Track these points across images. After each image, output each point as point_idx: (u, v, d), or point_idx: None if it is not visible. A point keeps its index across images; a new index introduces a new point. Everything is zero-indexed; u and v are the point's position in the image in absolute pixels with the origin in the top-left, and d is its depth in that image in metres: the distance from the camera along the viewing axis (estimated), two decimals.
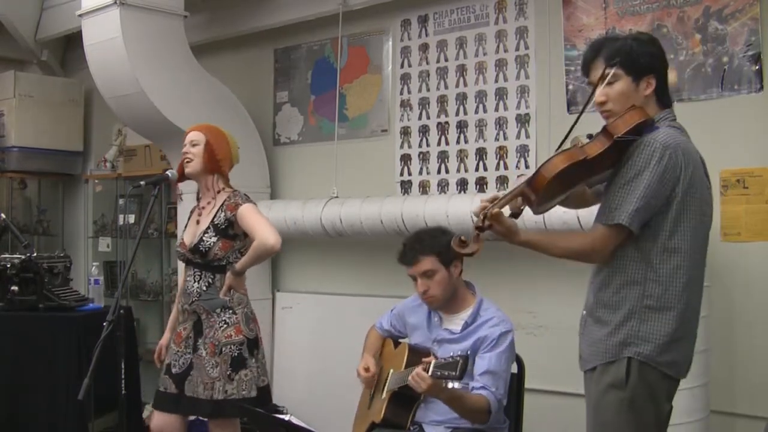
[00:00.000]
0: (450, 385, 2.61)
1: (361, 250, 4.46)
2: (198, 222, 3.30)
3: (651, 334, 2.13)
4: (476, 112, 4.09)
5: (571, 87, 3.77)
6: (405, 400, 2.87)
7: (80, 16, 4.35)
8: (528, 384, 3.01)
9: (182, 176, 3.36)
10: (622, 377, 2.13)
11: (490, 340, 2.81)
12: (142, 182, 3.23)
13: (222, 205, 3.25)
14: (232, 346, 3.17)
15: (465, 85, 4.14)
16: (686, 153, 2.13)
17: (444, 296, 2.89)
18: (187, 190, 4.21)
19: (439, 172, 4.22)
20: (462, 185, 4.14)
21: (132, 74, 4.19)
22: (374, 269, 4.36)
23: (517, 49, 3.96)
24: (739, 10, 3.32)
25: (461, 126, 4.15)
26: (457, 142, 4.15)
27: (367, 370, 3.02)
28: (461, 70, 4.15)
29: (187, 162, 3.29)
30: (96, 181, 5.99)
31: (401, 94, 4.38)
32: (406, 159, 4.35)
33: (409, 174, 4.34)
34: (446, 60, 4.21)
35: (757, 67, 3.27)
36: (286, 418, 2.89)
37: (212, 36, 5.02)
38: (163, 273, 5.54)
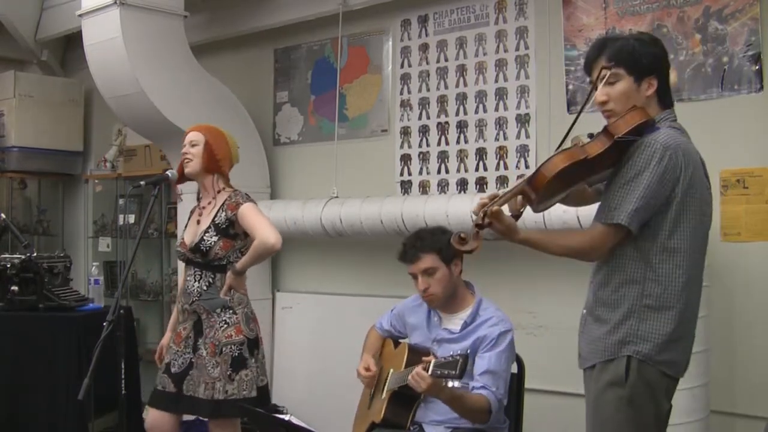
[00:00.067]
0: (450, 384, 2.61)
1: (361, 250, 4.46)
2: (198, 222, 3.30)
3: (650, 334, 2.13)
4: (476, 112, 4.09)
5: (571, 87, 3.77)
6: (405, 399, 2.87)
7: (80, 16, 4.36)
8: (528, 384, 3.01)
9: (182, 177, 3.37)
10: (621, 375, 2.14)
11: (490, 339, 2.81)
12: (142, 182, 3.23)
13: (223, 204, 3.25)
14: (232, 346, 3.17)
15: (465, 85, 4.14)
16: (686, 154, 2.13)
17: (444, 294, 2.90)
18: (187, 190, 4.21)
19: (439, 172, 4.22)
20: (462, 185, 4.14)
21: (132, 74, 4.19)
22: (374, 269, 4.36)
23: (517, 49, 3.96)
24: (739, 10, 3.32)
25: (461, 126, 4.15)
26: (457, 142, 4.15)
27: (367, 369, 3.02)
28: (461, 70, 4.15)
29: (187, 162, 3.29)
30: (96, 181, 6.00)
31: (401, 94, 4.38)
32: (406, 159, 4.35)
33: (409, 174, 4.34)
34: (446, 60, 4.21)
35: (757, 67, 3.27)
36: (286, 418, 2.89)
37: (212, 36, 5.02)
38: (163, 273, 5.54)
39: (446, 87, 4.21)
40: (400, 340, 3.15)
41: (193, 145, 3.29)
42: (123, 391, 2.99)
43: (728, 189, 3.31)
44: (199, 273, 3.24)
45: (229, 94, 4.74)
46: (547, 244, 2.22)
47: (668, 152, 2.09)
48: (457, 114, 4.16)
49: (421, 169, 4.29)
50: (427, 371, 2.55)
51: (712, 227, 2.28)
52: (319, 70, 4.76)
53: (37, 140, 5.62)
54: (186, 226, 3.41)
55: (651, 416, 2.16)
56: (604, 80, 2.19)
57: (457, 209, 3.69)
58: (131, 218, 5.58)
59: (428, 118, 4.27)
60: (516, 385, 2.96)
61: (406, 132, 4.36)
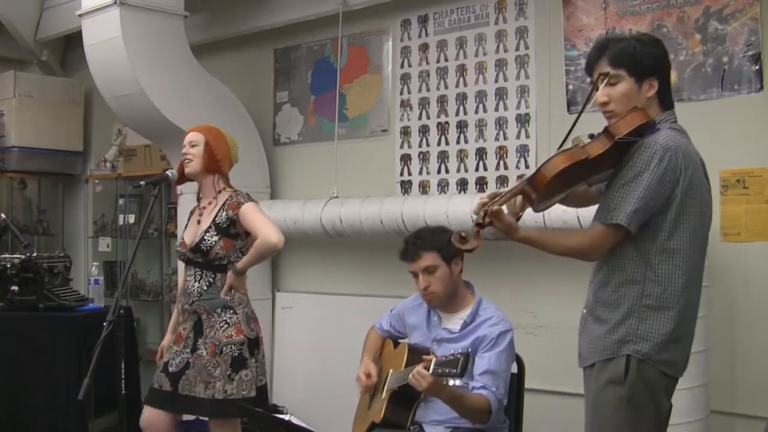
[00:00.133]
0: (452, 382, 2.61)
1: (361, 250, 4.46)
2: (199, 222, 3.30)
3: (649, 333, 2.14)
4: (476, 112, 4.09)
5: (571, 87, 3.77)
6: (405, 399, 2.87)
7: (80, 16, 4.36)
8: (528, 384, 3.01)
9: (182, 177, 3.37)
10: (620, 374, 2.14)
11: (489, 339, 2.81)
12: (142, 182, 3.23)
13: (223, 204, 3.25)
14: (232, 346, 3.17)
15: (465, 85, 4.14)
16: (686, 155, 2.14)
17: (445, 293, 2.90)
18: (187, 190, 4.21)
19: (439, 172, 4.22)
20: (462, 185, 4.14)
21: (132, 74, 4.19)
22: (374, 269, 4.37)
23: (517, 49, 3.96)
24: (739, 10, 3.32)
25: (461, 126, 4.15)
26: (457, 142, 4.15)
27: (368, 375, 3.02)
28: (461, 70, 4.15)
29: (187, 162, 3.29)
30: (96, 181, 6.00)
31: (401, 94, 4.38)
32: (406, 159, 4.35)
33: (409, 174, 4.34)
34: (446, 60, 4.21)
35: (757, 67, 3.28)
36: (286, 418, 2.89)
37: (212, 36, 5.02)
38: (163, 273, 5.54)
39: (446, 87, 4.21)
40: (400, 340, 3.16)
41: (193, 146, 3.29)
42: (123, 391, 2.99)
43: (728, 189, 3.31)
44: (200, 273, 3.24)
45: (229, 94, 4.74)
46: (547, 243, 2.23)
47: (668, 154, 2.10)
48: (457, 114, 4.16)
49: (421, 169, 4.29)
50: (428, 370, 2.55)
51: (712, 227, 2.29)
52: (319, 70, 4.76)
53: (37, 140, 5.62)
54: (186, 227, 3.41)
55: (650, 415, 2.16)
56: (605, 81, 2.19)
57: (457, 209, 3.69)
58: (131, 218, 5.58)
59: (428, 118, 4.27)
60: (516, 385, 2.96)
61: (406, 132, 4.36)
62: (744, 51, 3.30)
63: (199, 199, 3.40)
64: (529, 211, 2.24)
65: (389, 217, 3.95)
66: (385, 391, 2.95)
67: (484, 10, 4.07)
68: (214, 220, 3.23)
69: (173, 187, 4.76)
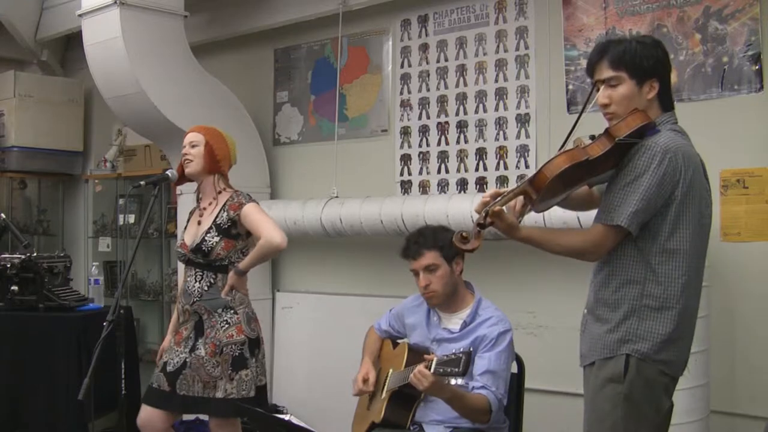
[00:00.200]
0: (453, 381, 2.61)
1: (361, 250, 4.46)
2: (199, 222, 3.29)
3: (649, 333, 2.15)
4: (476, 112, 4.09)
5: (571, 87, 3.77)
6: (405, 399, 2.87)
7: (80, 16, 4.36)
8: (528, 384, 3.01)
9: (182, 178, 3.37)
10: (619, 372, 2.16)
11: (489, 339, 2.81)
12: (142, 182, 3.23)
13: (224, 205, 3.25)
14: (233, 346, 3.17)
15: (465, 85, 4.14)
16: (686, 157, 2.15)
17: (445, 292, 2.90)
18: (187, 190, 4.21)
19: (439, 172, 4.22)
20: (462, 185, 4.14)
21: (132, 74, 4.19)
22: (374, 269, 4.37)
23: (517, 49, 3.96)
24: (739, 10, 3.32)
25: (461, 126, 4.15)
26: (457, 142, 4.16)
27: (365, 380, 3.02)
28: (461, 70, 4.15)
29: (188, 162, 3.29)
30: (96, 181, 6.00)
31: (401, 94, 4.38)
32: (406, 159, 4.36)
33: (409, 174, 4.34)
34: (446, 60, 4.21)
35: (757, 67, 3.28)
36: (286, 418, 2.89)
37: (212, 36, 5.02)
38: (163, 273, 5.54)
39: (446, 87, 4.21)
40: (399, 341, 3.16)
41: (193, 146, 3.29)
42: (123, 391, 3.00)
43: (728, 189, 3.31)
44: (200, 273, 3.24)
45: (229, 94, 4.74)
46: (547, 243, 2.23)
47: (668, 155, 2.11)
48: (457, 114, 4.17)
49: (421, 169, 4.29)
50: (430, 369, 2.55)
51: (712, 227, 2.30)
52: (319, 70, 4.76)
53: (37, 140, 5.63)
54: (185, 227, 3.41)
55: (649, 414, 2.17)
56: (606, 83, 2.20)
57: (457, 209, 3.69)
58: (131, 218, 5.59)
59: (428, 118, 4.28)
60: (516, 385, 2.96)
61: (406, 132, 4.36)
62: (744, 51, 3.31)
63: (198, 200, 3.40)
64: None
65: (389, 217, 3.95)
66: (385, 391, 2.95)
67: (484, 10, 4.07)
68: (214, 220, 3.23)
69: (173, 188, 4.76)
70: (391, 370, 2.99)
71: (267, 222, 3.20)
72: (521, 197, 2.18)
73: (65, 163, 5.89)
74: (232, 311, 3.22)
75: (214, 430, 3.27)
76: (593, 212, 2.29)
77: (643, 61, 2.19)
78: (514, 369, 2.94)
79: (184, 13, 4.47)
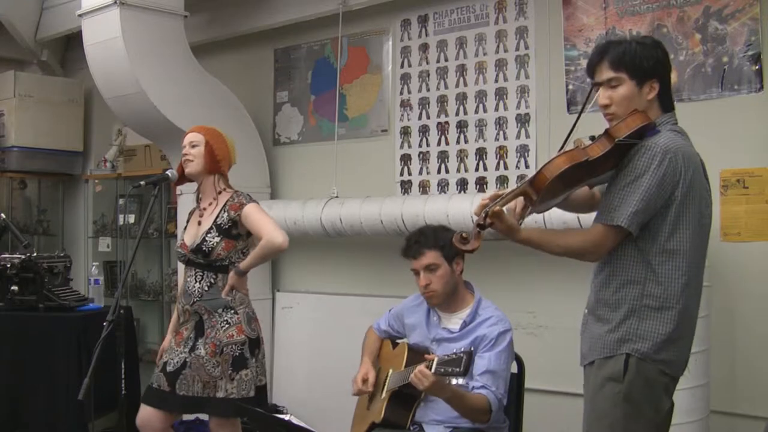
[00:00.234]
0: (454, 381, 2.61)
1: (361, 250, 4.46)
2: (199, 223, 3.29)
3: (649, 333, 2.16)
4: (476, 112, 4.09)
5: (571, 87, 3.77)
6: (405, 399, 2.87)
7: (80, 16, 4.36)
8: (528, 384, 3.01)
9: (182, 178, 3.37)
10: (619, 371, 2.16)
11: (489, 339, 2.81)
12: (142, 182, 3.23)
13: (225, 205, 3.25)
14: (233, 346, 3.17)
15: (465, 85, 4.14)
16: (686, 157, 2.16)
17: (445, 292, 2.90)
18: (187, 190, 4.21)
19: (439, 172, 4.22)
20: (462, 185, 4.14)
21: (132, 74, 4.19)
22: (374, 269, 4.37)
23: (517, 49, 3.96)
24: (739, 10, 3.32)
25: (461, 126, 4.15)
26: (457, 142, 4.16)
27: (365, 380, 3.02)
28: (461, 70, 4.15)
29: (188, 163, 3.29)
30: (96, 181, 6.00)
31: (401, 94, 4.38)
32: (406, 159, 4.36)
33: (409, 174, 4.34)
34: (446, 60, 4.21)
35: (757, 67, 3.28)
36: (286, 418, 2.89)
37: (212, 36, 5.02)
38: (163, 273, 5.54)
39: (446, 87, 4.21)
40: (399, 341, 3.16)
41: (193, 146, 3.29)
42: (123, 391, 3.00)
43: (728, 189, 3.31)
44: (200, 274, 3.24)
45: (229, 94, 4.74)
46: (547, 243, 2.24)
47: (668, 156, 2.11)
48: (457, 114, 4.17)
49: (421, 169, 4.29)
50: (430, 369, 2.55)
51: (712, 227, 2.30)
52: (319, 70, 4.76)
53: (37, 140, 5.63)
54: (185, 228, 3.41)
55: (648, 413, 2.17)
56: (607, 84, 2.21)
57: (457, 209, 3.69)
58: (131, 218, 5.59)
59: (428, 118, 4.28)
60: (516, 385, 2.96)
61: (406, 132, 4.36)
62: (744, 51, 3.31)
63: (198, 200, 3.40)
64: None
65: (389, 217, 3.95)
66: (385, 391, 2.95)
67: (484, 10, 4.07)
68: (215, 221, 3.23)
69: (173, 187, 4.76)
70: (390, 371, 2.99)
71: (268, 222, 3.20)
72: (521, 198, 2.18)
73: (65, 163, 5.89)
74: (232, 311, 3.22)
75: (214, 430, 3.27)
76: (592, 213, 2.30)
77: (643, 62, 2.19)
78: (514, 369, 2.94)
79: (184, 13, 4.47)
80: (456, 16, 4.18)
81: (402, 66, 4.38)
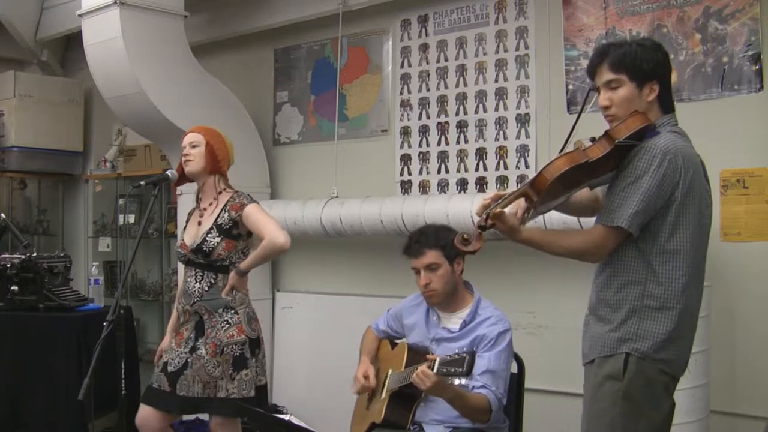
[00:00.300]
0: (457, 381, 2.61)
1: (361, 250, 4.46)
2: (200, 223, 3.29)
3: (649, 332, 2.17)
4: (476, 112, 4.09)
5: (571, 87, 3.77)
6: (405, 399, 2.87)
7: (80, 16, 4.36)
8: (528, 384, 3.01)
9: (182, 178, 3.37)
10: (619, 370, 2.17)
11: (489, 339, 2.81)
12: (142, 182, 3.23)
13: (225, 205, 3.25)
14: (234, 346, 3.17)
15: (465, 85, 4.14)
16: (686, 158, 2.16)
17: (444, 291, 2.90)
18: (187, 190, 4.21)
19: (439, 172, 4.22)
20: (462, 185, 4.14)
21: (132, 74, 4.19)
22: (374, 269, 4.37)
23: (517, 49, 3.96)
24: (739, 10, 3.32)
25: (461, 126, 4.15)
26: (457, 142, 4.16)
27: (366, 377, 3.02)
28: (461, 70, 4.15)
29: (188, 162, 3.29)
30: (96, 181, 6.00)
31: (401, 94, 4.38)
32: (406, 159, 4.36)
33: (409, 174, 4.34)
34: (446, 60, 4.21)
35: (757, 67, 3.28)
36: (286, 418, 2.89)
37: (212, 36, 5.02)
38: (163, 273, 5.54)
39: (446, 87, 4.21)
40: (398, 341, 3.15)
41: (193, 146, 3.29)
42: (123, 391, 3.00)
43: (728, 189, 3.31)
44: (201, 274, 3.24)
45: (229, 94, 4.74)
46: (549, 244, 2.25)
47: (668, 157, 2.12)
48: (457, 114, 4.17)
49: (421, 169, 4.29)
50: (432, 369, 2.55)
51: (712, 227, 2.31)
52: (319, 70, 4.76)
53: (37, 140, 5.63)
54: (185, 228, 3.41)
55: (648, 412, 2.18)
56: (607, 85, 2.22)
57: (457, 209, 3.69)
58: (131, 218, 5.59)
59: (428, 118, 4.28)
60: (516, 384, 2.96)
61: (406, 132, 4.36)
62: (744, 51, 3.31)
63: (197, 200, 3.40)
64: None
65: (389, 217, 3.95)
66: (385, 391, 2.95)
67: (484, 10, 4.07)
68: (215, 221, 3.23)
69: (173, 187, 4.76)
70: (390, 371, 2.99)
71: (270, 223, 3.20)
72: (522, 200, 2.19)
73: (65, 163, 5.90)
74: (232, 311, 3.22)
75: (214, 430, 3.27)
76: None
77: (643, 63, 2.20)
78: (514, 369, 2.95)
79: (184, 13, 4.47)
80: (456, 16, 4.18)
81: (402, 66, 4.39)
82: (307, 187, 4.70)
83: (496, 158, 4.02)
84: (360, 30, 4.57)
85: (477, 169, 4.09)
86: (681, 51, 3.45)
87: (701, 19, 3.41)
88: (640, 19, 3.57)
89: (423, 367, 2.58)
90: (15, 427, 4.04)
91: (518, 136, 3.95)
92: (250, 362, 3.20)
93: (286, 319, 4.74)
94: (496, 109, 4.02)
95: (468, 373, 2.50)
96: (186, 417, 4.13)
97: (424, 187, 4.28)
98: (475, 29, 4.11)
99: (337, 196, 4.40)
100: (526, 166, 3.90)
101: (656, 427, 2.20)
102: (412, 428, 2.89)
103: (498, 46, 4.03)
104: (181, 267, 3.50)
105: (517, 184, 3.90)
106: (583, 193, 2.42)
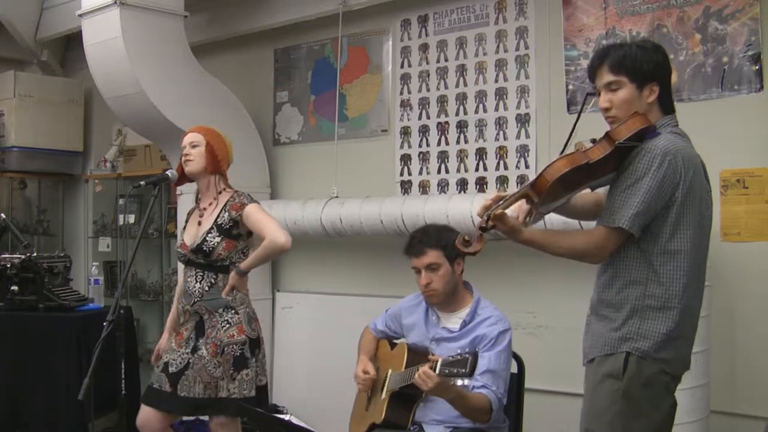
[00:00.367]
0: (459, 382, 2.61)
1: (361, 250, 4.46)
2: (200, 223, 3.29)
3: (649, 332, 2.17)
4: (476, 112, 4.09)
5: (571, 87, 3.77)
6: (405, 399, 2.87)
7: (80, 16, 4.36)
8: (528, 384, 3.02)
9: (182, 178, 3.37)
10: (619, 368, 2.18)
11: (489, 338, 2.82)
12: (142, 182, 3.22)
13: (225, 205, 3.25)
14: (234, 346, 3.17)
15: (465, 85, 4.14)
16: (686, 159, 2.17)
17: (445, 291, 2.91)
18: (187, 190, 4.21)
19: (439, 172, 4.22)
20: (462, 185, 4.14)
21: (132, 74, 4.19)
22: (374, 269, 4.37)
23: (517, 49, 3.96)
24: (739, 10, 3.32)
25: (461, 126, 4.15)
26: (457, 142, 4.16)
27: (365, 373, 3.02)
28: (461, 70, 4.15)
29: (188, 162, 3.29)
30: (96, 181, 6.00)
31: (401, 94, 4.38)
32: (406, 159, 4.36)
33: (409, 174, 4.34)
34: (446, 60, 4.21)
35: (757, 67, 3.28)
36: (286, 418, 2.89)
37: (212, 36, 5.02)
38: (163, 273, 5.54)
39: (446, 87, 4.21)
40: (397, 341, 3.15)
41: (194, 146, 3.29)
42: (123, 391, 3.00)
43: (728, 189, 3.31)
44: (201, 274, 3.24)
45: (229, 94, 4.74)
46: (550, 245, 2.25)
47: (668, 158, 2.13)
48: (457, 114, 4.17)
49: (421, 169, 4.29)
50: (434, 370, 2.55)
51: (713, 227, 2.31)
52: (319, 70, 4.76)
53: (37, 140, 5.63)
54: (184, 228, 3.41)
55: (648, 411, 2.18)
56: (607, 87, 2.22)
57: (457, 209, 3.69)
58: (131, 218, 5.59)
59: (428, 118, 4.28)
60: (516, 384, 2.96)
61: (406, 132, 4.36)
62: (744, 51, 3.31)
63: (197, 200, 3.40)
64: None
65: (389, 217, 3.95)
66: (385, 391, 2.95)
67: (484, 10, 4.07)
68: (216, 221, 3.23)
69: (173, 187, 4.76)
70: (390, 371, 2.99)
71: (270, 222, 3.20)
72: (523, 201, 2.19)
73: (65, 163, 5.89)
74: (232, 311, 3.22)
75: (215, 430, 3.27)
76: None
77: (643, 65, 2.21)
78: (514, 369, 2.95)
79: (184, 13, 4.47)
80: (456, 16, 4.18)
81: (402, 66, 4.39)
82: (307, 187, 4.69)
83: (496, 158, 4.02)
84: (360, 30, 4.57)
85: (477, 170, 4.09)
86: (681, 51, 3.45)
87: (701, 19, 3.41)
88: (640, 19, 3.57)
89: (425, 368, 2.58)
90: (15, 427, 4.04)
91: (518, 136, 3.95)
92: (250, 362, 3.20)
93: (286, 319, 4.74)
94: (496, 109, 4.02)
95: (471, 374, 2.50)
96: (186, 417, 4.13)
97: (424, 187, 4.28)
98: (475, 29, 4.11)
99: (337, 196, 4.40)
100: (526, 167, 3.90)
101: (656, 427, 2.21)
102: (412, 428, 2.89)
103: (498, 46, 4.03)
104: (180, 267, 3.49)
105: (517, 184, 3.90)
106: (585, 197, 2.43)
